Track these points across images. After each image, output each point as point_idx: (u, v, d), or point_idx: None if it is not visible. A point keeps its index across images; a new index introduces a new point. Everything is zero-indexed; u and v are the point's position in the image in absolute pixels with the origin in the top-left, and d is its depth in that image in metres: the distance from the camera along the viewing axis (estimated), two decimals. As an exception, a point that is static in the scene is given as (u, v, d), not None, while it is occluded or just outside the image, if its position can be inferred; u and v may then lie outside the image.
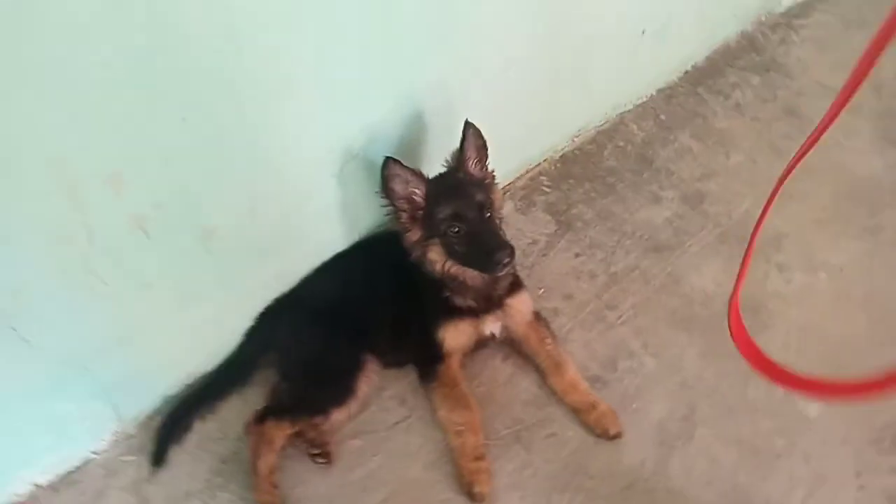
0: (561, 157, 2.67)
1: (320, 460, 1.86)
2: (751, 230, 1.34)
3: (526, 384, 2.03)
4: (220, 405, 1.96)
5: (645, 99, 2.86)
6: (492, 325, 1.96)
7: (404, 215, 1.82)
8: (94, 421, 1.87)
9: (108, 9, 1.29)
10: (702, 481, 1.83)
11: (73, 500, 1.84)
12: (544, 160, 2.63)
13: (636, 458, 1.87)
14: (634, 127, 2.77)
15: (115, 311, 1.70)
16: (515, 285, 1.98)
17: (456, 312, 1.90)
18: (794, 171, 1.21)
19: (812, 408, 1.94)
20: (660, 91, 2.89)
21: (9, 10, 1.19)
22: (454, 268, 1.82)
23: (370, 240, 2.14)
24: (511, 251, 1.73)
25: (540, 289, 2.24)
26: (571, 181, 2.59)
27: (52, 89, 1.31)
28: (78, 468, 1.89)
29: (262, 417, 1.87)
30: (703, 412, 1.95)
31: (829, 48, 3.06)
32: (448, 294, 1.89)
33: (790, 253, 2.31)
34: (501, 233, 1.84)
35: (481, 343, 2.01)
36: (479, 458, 1.82)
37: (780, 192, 1.26)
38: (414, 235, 1.83)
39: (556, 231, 2.43)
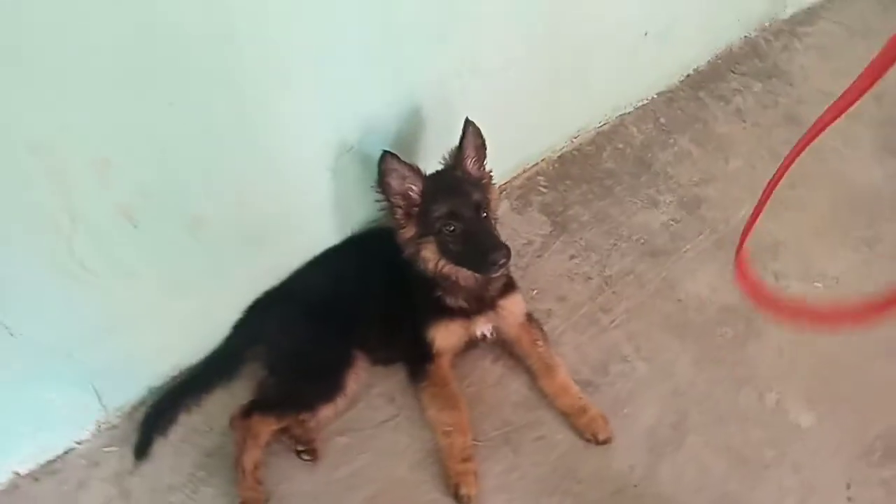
0: (559, 157, 2.65)
1: (306, 457, 1.84)
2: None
3: (516, 386, 2.01)
4: (206, 398, 1.94)
5: (645, 101, 2.84)
6: (483, 327, 1.94)
7: (399, 211, 1.80)
8: (77, 410, 1.85)
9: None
10: (691, 489, 1.81)
11: (54, 490, 1.82)
12: (542, 160, 2.61)
13: (625, 463, 1.85)
14: (634, 129, 2.75)
15: (99, 299, 1.67)
16: (508, 286, 1.96)
17: (447, 312, 1.88)
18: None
19: (804, 417, 1.93)
20: (660, 94, 2.87)
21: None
22: (447, 267, 1.80)
23: (363, 235, 2.12)
24: (507, 253, 1.71)
25: (533, 290, 2.22)
26: (569, 182, 2.57)
27: (35, 72, 1.28)
28: (59, 458, 1.87)
29: (248, 412, 1.84)
30: (693, 419, 1.93)
31: (832, 57, 3.04)
32: (440, 293, 1.86)
33: (787, 261, 2.30)
34: (496, 233, 1.81)
35: (472, 343, 1.99)
36: (467, 459, 1.80)
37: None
38: (408, 232, 1.81)
39: (551, 232, 2.41)
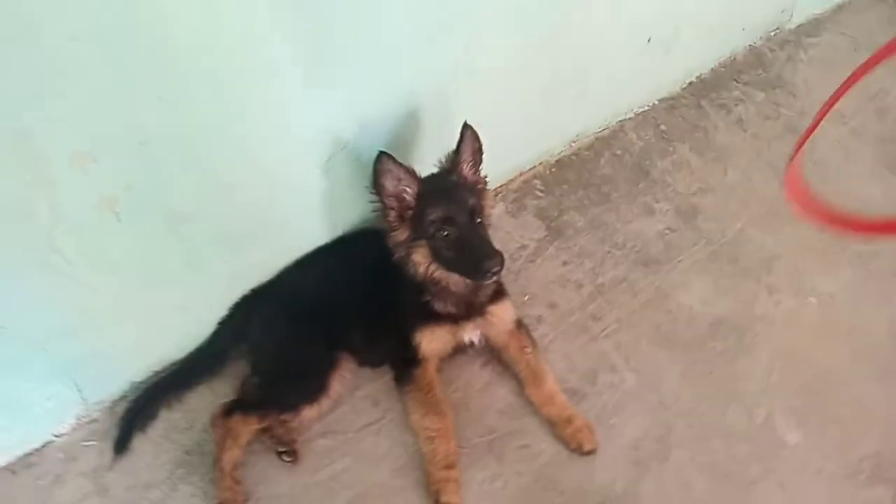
0: (557, 161, 2.61)
1: (286, 458, 1.82)
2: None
3: (503, 392, 1.99)
4: (189, 395, 1.93)
5: (646, 108, 2.80)
6: (471, 333, 1.92)
7: (392, 213, 1.77)
8: (56, 403, 1.83)
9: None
10: (673, 505, 1.80)
11: (30, 484, 1.80)
12: (539, 164, 2.58)
13: (608, 476, 1.84)
14: (634, 136, 2.72)
15: (78, 291, 1.64)
16: (498, 293, 1.93)
17: (435, 318, 1.86)
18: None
19: (791, 435, 1.92)
20: (662, 101, 2.83)
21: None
22: (438, 272, 1.77)
23: (353, 235, 2.09)
24: (501, 260, 1.69)
25: (525, 295, 2.20)
26: (565, 187, 2.54)
27: (15, 60, 1.25)
28: (37, 451, 1.85)
29: (229, 411, 1.82)
30: (679, 433, 1.92)
31: (836, 69, 3.00)
32: (429, 298, 1.84)
33: (781, 275, 2.28)
34: (490, 240, 1.78)
35: (459, 349, 1.97)
36: (450, 466, 1.78)
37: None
38: (400, 235, 1.78)
39: (545, 237, 2.38)
